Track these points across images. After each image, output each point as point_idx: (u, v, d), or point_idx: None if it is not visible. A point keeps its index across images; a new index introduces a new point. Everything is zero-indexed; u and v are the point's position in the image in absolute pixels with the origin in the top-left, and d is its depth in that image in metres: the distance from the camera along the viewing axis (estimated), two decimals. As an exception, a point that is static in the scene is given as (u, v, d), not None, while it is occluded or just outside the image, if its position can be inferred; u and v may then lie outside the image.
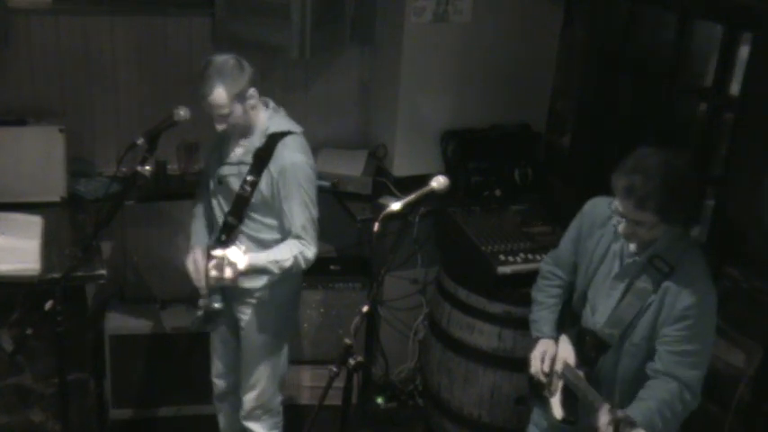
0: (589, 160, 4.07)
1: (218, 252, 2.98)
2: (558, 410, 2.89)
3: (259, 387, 3.38)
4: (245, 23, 3.84)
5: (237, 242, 3.08)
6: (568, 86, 4.18)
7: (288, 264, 3.07)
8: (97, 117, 3.90)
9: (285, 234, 3.13)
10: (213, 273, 2.98)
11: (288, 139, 3.10)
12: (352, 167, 4.03)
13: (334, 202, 4.05)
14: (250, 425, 3.45)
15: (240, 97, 2.99)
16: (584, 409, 2.77)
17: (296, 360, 4.20)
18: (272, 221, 3.15)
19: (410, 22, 3.88)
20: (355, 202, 3.95)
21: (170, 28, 3.88)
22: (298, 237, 3.09)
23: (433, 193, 2.67)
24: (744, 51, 3.38)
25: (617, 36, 3.87)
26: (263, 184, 3.09)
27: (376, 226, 2.59)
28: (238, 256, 2.94)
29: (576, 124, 4.16)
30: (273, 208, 3.12)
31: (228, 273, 2.95)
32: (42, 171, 3.60)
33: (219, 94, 2.94)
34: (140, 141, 2.98)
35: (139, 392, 3.99)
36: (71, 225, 3.55)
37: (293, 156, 3.07)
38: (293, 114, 4.04)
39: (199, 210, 3.37)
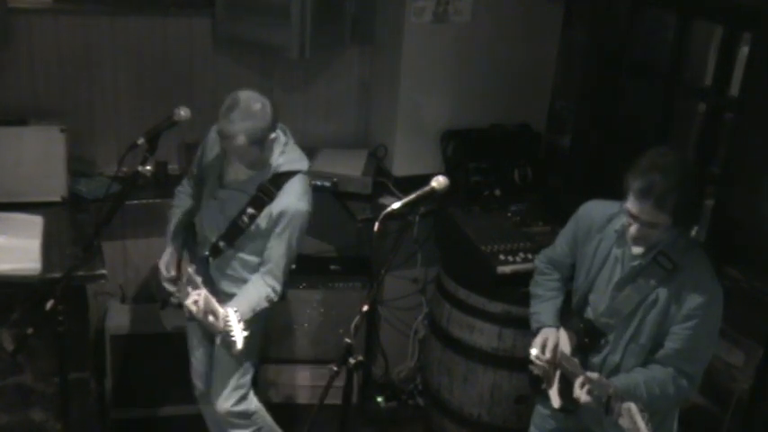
0: (589, 160, 4.08)
1: (222, 312, 2.93)
2: (555, 400, 2.90)
3: (227, 393, 3.38)
4: (245, 23, 3.84)
5: (231, 308, 2.97)
6: (568, 86, 4.18)
7: (261, 307, 3.15)
8: (97, 117, 3.90)
9: (263, 259, 3.18)
10: (211, 320, 2.97)
11: (295, 181, 3.11)
12: (352, 167, 4.03)
13: (334, 202, 4.05)
14: (225, 427, 3.47)
15: (260, 142, 2.99)
16: None
17: (296, 360, 4.22)
18: (260, 248, 3.18)
19: (410, 22, 3.88)
20: (355, 202, 3.95)
21: (170, 28, 3.88)
22: (271, 272, 3.14)
23: (434, 192, 2.67)
24: (744, 51, 3.39)
25: (617, 36, 3.88)
26: (262, 219, 3.11)
27: (376, 226, 2.58)
28: (239, 333, 2.90)
29: (576, 124, 4.16)
30: (264, 237, 3.15)
31: (221, 327, 2.95)
32: (43, 171, 3.59)
33: (241, 140, 2.94)
34: (141, 141, 2.98)
35: (140, 392, 4.00)
36: (72, 225, 3.55)
37: (298, 204, 3.09)
38: (293, 114, 4.06)
39: (178, 211, 3.35)
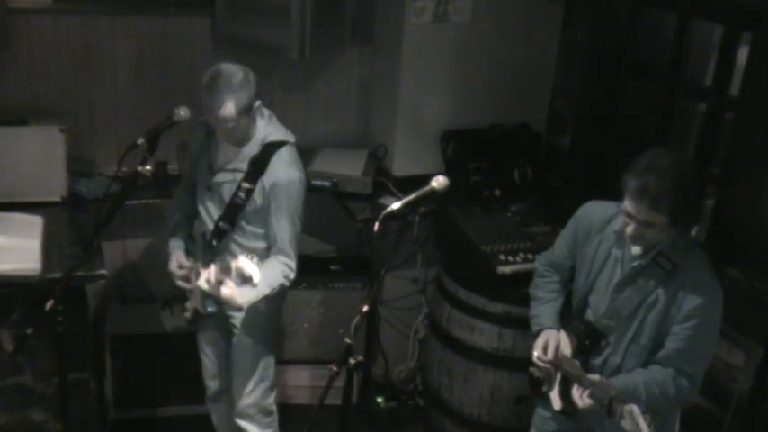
0: (589, 160, 4.08)
1: (233, 264, 2.85)
2: (556, 402, 2.89)
3: (252, 386, 3.38)
4: (245, 23, 3.85)
5: (246, 255, 2.92)
6: (568, 86, 4.18)
7: (278, 283, 3.12)
8: (97, 117, 3.90)
9: (270, 242, 3.16)
10: (225, 291, 2.95)
11: (284, 151, 3.11)
12: (352, 167, 4.03)
13: (334, 202, 4.05)
14: (243, 424, 3.45)
15: (247, 110, 2.99)
16: None
17: (296, 360, 4.22)
18: (260, 230, 3.17)
19: (410, 22, 3.88)
20: (355, 202, 3.95)
21: (170, 28, 3.89)
22: (282, 251, 3.13)
23: (434, 192, 2.67)
24: (744, 51, 3.39)
25: (617, 36, 3.88)
26: (257, 194, 3.10)
27: (376, 226, 2.58)
28: (253, 267, 2.82)
29: (576, 124, 4.16)
30: (263, 217, 3.14)
31: (239, 299, 2.94)
32: (43, 171, 3.60)
33: (229, 109, 2.93)
34: (141, 141, 2.98)
35: (140, 392, 3.99)
36: (71, 225, 3.55)
37: (288, 172, 3.09)
38: (293, 114, 4.07)
39: (177, 213, 3.35)
